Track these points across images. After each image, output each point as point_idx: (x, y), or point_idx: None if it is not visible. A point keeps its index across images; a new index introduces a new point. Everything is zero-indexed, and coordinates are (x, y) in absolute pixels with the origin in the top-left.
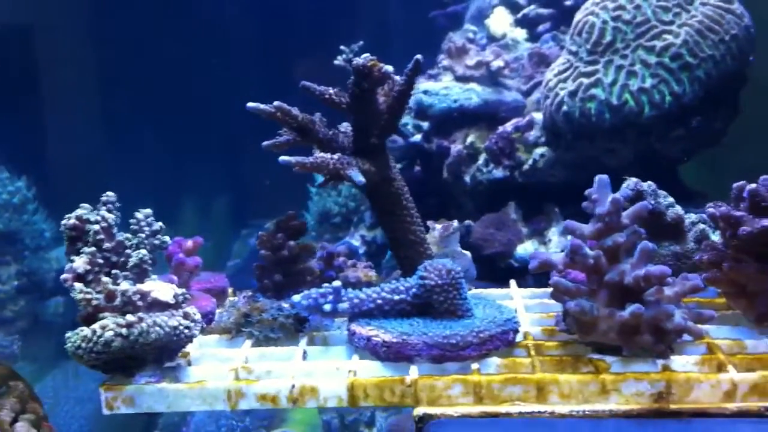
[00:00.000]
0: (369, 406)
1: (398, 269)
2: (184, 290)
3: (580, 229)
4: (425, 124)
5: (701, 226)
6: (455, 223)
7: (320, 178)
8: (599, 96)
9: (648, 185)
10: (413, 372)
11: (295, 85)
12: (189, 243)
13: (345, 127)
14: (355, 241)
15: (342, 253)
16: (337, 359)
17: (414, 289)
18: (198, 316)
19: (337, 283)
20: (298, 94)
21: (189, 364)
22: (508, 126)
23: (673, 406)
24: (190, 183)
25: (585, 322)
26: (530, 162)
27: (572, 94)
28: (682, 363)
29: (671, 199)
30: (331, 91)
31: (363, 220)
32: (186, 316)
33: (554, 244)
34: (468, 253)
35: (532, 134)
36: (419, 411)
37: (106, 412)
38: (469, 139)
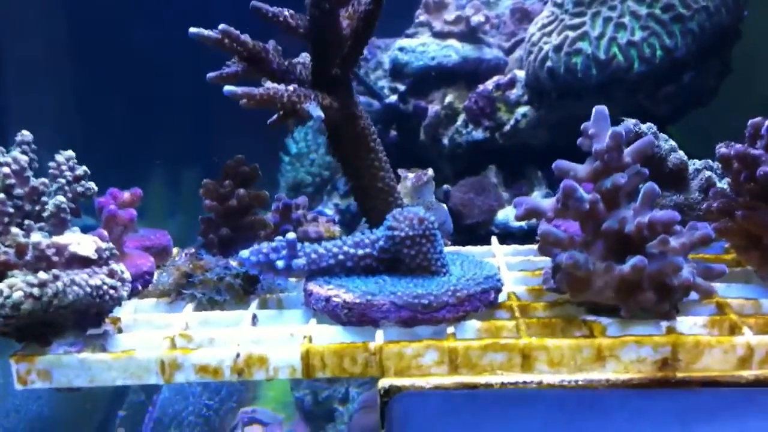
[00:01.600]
0: (327, 377)
1: (365, 223)
2: (110, 244)
3: (574, 169)
4: (402, 87)
5: (707, 173)
6: (430, 171)
7: (293, 147)
8: (586, 50)
9: (648, 127)
10: (379, 337)
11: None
12: (126, 195)
13: (303, 57)
14: (329, 210)
15: (301, 205)
16: (292, 324)
17: (381, 242)
18: (127, 275)
19: (291, 236)
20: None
21: (119, 331)
22: (489, 84)
23: (679, 375)
24: (160, 155)
25: (578, 278)
26: (512, 122)
27: (557, 48)
28: (689, 325)
29: (673, 143)
30: (287, 12)
31: (336, 188)
32: (111, 274)
33: None
34: (444, 205)
35: (514, 93)
36: (385, 382)
37: (18, 387)
38: (448, 99)
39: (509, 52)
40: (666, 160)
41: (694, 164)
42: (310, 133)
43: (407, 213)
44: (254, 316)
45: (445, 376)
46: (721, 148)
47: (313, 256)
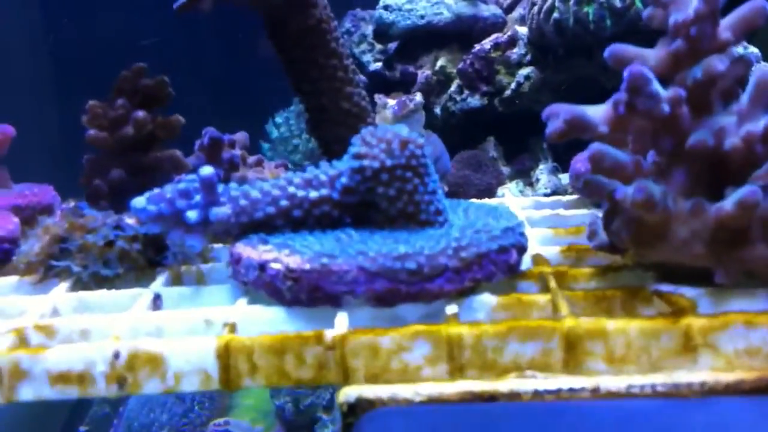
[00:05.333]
0: (260, 387)
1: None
2: None
3: (641, 55)
4: (380, 55)
5: None
6: (418, 96)
7: (274, 132)
8: None
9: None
10: (341, 323)
11: None
12: None
13: None
14: None
15: (239, 142)
16: (211, 306)
17: (344, 178)
18: None
19: (207, 171)
20: None
21: None
22: (486, 43)
23: None
24: None
25: (650, 223)
26: (513, 86)
27: None
28: None
29: (756, 50)
30: None
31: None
32: None
33: (543, 186)
34: (436, 136)
35: (516, 52)
36: (349, 393)
37: None
38: (439, 63)
39: (508, 10)
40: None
41: None
42: (292, 118)
43: (383, 133)
44: (157, 296)
45: (444, 382)
46: None
47: (243, 202)
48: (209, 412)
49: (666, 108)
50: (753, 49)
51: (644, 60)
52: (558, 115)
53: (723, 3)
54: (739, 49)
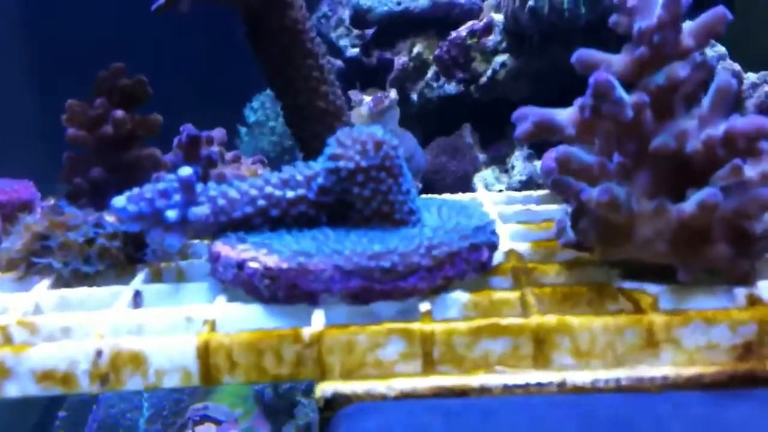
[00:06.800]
0: (239, 383)
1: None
2: None
3: (606, 61)
4: (364, 32)
5: (766, 88)
6: (392, 93)
7: (251, 116)
8: None
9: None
10: (317, 320)
11: None
12: None
13: None
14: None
15: (217, 139)
16: (191, 304)
17: (320, 179)
18: None
19: (186, 171)
20: None
21: None
22: (462, 30)
23: None
24: None
25: (615, 223)
26: (489, 73)
27: None
28: None
29: (721, 49)
30: None
31: (297, 159)
32: None
33: (518, 173)
34: (409, 134)
35: (491, 39)
36: (326, 389)
37: None
38: (416, 50)
39: None
40: (713, 69)
41: (749, 78)
42: (268, 101)
43: (357, 134)
44: (137, 294)
45: (418, 377)
46: None
47: (221, 201)
48: (188, 397)
49: (630, 113)
50: (719, 48)
51: (609, 65)
52: (527, 117)
53: (687, 9)
54: (705, 49)
